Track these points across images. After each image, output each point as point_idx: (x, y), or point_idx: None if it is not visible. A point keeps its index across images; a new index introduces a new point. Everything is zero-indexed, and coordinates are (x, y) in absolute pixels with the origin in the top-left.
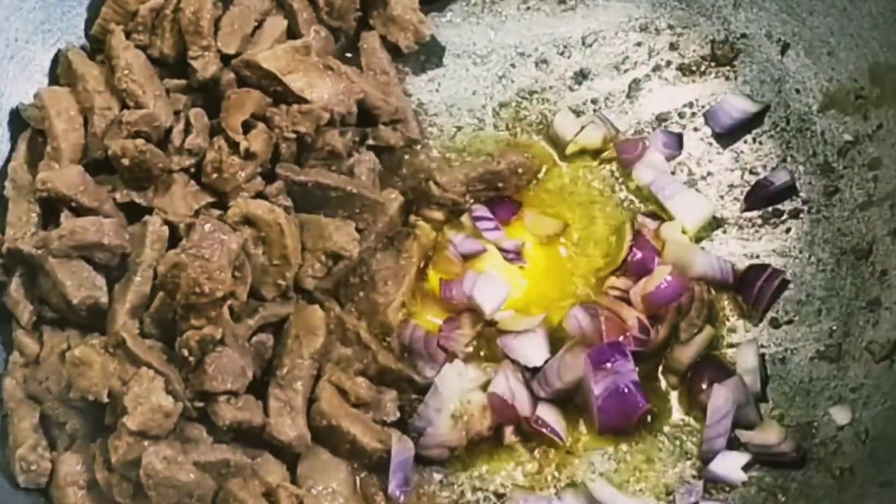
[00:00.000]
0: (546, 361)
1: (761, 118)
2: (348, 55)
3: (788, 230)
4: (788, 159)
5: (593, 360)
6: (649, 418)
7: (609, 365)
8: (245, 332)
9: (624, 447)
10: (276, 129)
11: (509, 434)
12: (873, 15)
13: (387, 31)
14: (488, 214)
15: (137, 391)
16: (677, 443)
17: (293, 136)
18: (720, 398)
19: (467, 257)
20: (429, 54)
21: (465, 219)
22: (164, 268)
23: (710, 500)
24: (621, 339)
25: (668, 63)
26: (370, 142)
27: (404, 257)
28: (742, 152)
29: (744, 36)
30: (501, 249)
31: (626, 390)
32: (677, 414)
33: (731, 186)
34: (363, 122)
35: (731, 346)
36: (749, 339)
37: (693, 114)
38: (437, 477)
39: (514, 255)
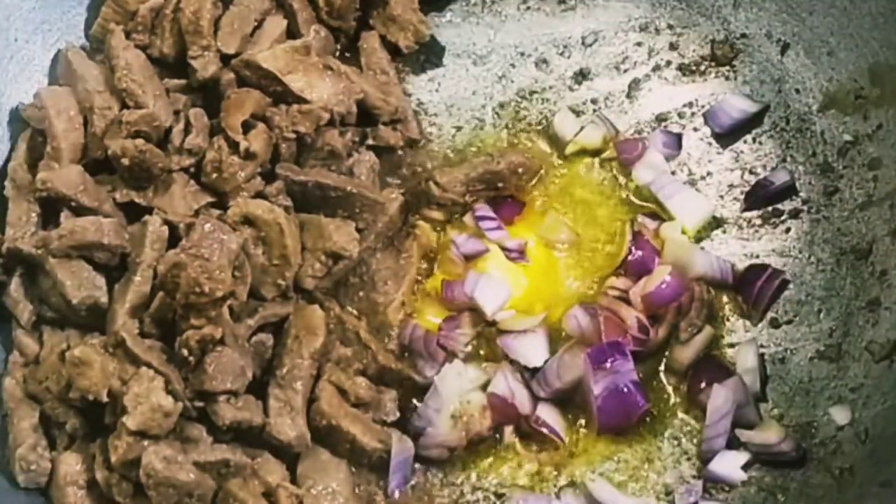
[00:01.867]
0: (546, 361)
1: (761, 118)
2: (347, 55)
3: (788, 230)
4: (788, 159)
5: (593, 359)
6: (648, 418)
7: (609, 364)
8: (245, 331)
9: (624, 447)
10: (276, 129)
11: (509, 434)
12: (873, 15)
13: (387, 31)
14: (491, 214)
15: (137, 391)
16: (677, 443)
17: (293, 136)
18: (720, 398)
19: (469, 258)
20: (429, 54)
21: (467, 218)
22: (164, 267)
23: (710, 500)
24: (621, 339)
25: (668, 63)
26: (370, 142)
27: (404, 257)
28: (742, 152)
29: (743, 36)
30: (504, 249)
31: (625, 390)
32: (677, 414)
33: (731, 186)
34: (363, 122)
35: (731, 346)
36: (749, 339)
37: (693, 114)
38: (437, 477)
39: (518, 255)
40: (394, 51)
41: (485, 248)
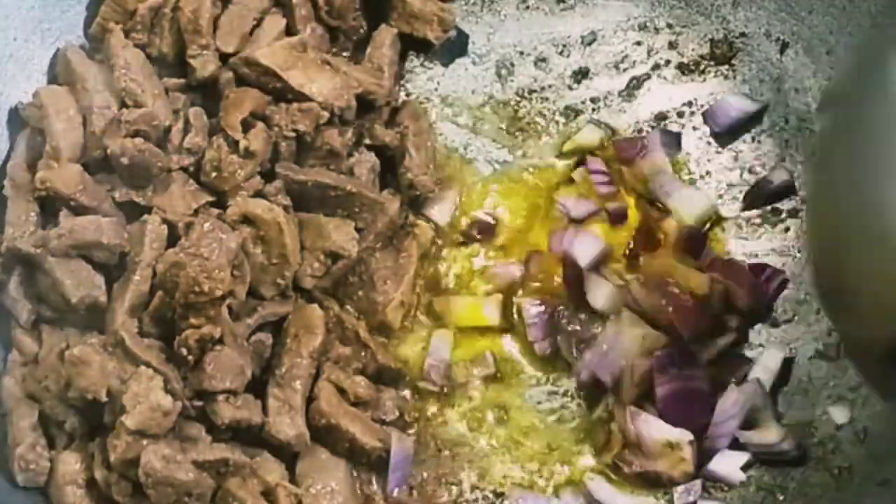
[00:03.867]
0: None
1: (760, 117)
2: (346, 54)
3: (787, 229)
4: (787, 158)
5: (659, 363)
6: None
7: (676, 370)
8: (244, 331)
9: None
10: (276, 127)
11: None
12: (872, 13)
13: (412, 28)
14: (603, 168)
15: (136, 390)
16: None
17: (292, 134)
18: (730, 400)
19: (577, 221)
20: (428, 52)
21: (577, 174)
22: (164, 267)
23: (709, 500)
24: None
25: (668, 62)
26: (367, 141)
27: (403, 257)
28: (741, 151)
29: (743, 35)
30: (606, 211)
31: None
32: None
33: (730, 185)
34: (361, 111)
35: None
36: (772, 341)
37: (692, 113)
38: (436, 476)
39: (617, 217)
40: (423, 46)
41: (597, 209)
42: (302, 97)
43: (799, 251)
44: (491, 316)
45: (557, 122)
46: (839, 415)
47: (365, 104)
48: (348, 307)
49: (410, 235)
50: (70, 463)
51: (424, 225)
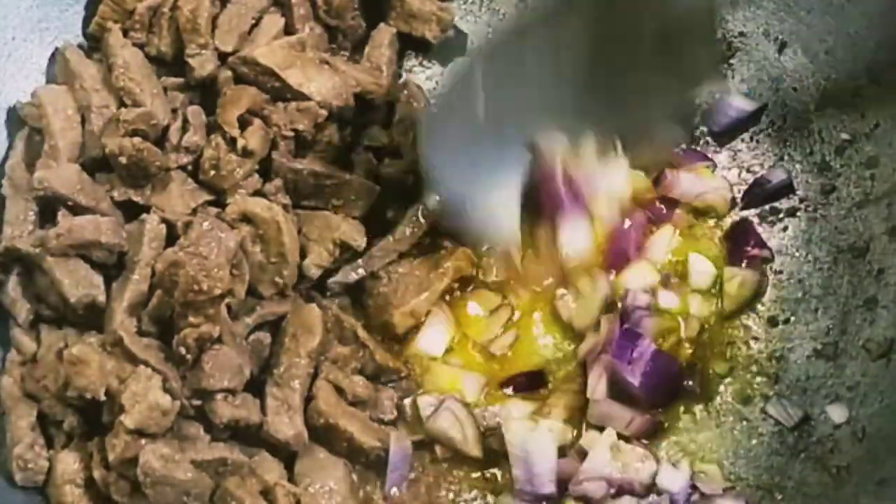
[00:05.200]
0: None
1: (758, 117)
2: (345, 53)
3: (786, 228)
4: (786, 158)
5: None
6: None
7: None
8: (243, 330)
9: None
10: (275, 126)
11: None
12: (871, 13)
13: (410, 28)
14: None
15: (135, 389)
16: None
17: (291, 134)
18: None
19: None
20: (427, 51)
21: None
22: (163, 266)
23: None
24: None
25: None
26: (365, 142)
27: (438, 273)
28: (739, 151)
29: (741, 34)
30: None
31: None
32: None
33: (729, 185)
34: (360, 112)
35: None
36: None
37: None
38: (434, 475)
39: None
40: (422, 45)
41: None
42: (300, 96)
43: (797, 250)
44: (470, 390)
45: None
46: (837, 414)
47: (363, 103)
48: (365, 298)
49: (452, 256)
50: (68, 462)
51: (467, 250)
